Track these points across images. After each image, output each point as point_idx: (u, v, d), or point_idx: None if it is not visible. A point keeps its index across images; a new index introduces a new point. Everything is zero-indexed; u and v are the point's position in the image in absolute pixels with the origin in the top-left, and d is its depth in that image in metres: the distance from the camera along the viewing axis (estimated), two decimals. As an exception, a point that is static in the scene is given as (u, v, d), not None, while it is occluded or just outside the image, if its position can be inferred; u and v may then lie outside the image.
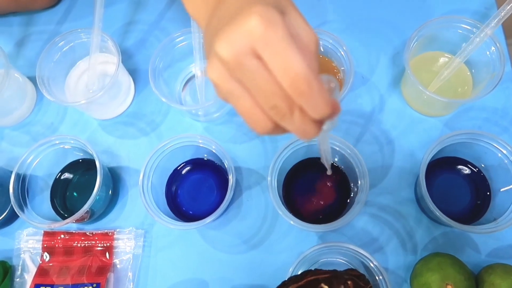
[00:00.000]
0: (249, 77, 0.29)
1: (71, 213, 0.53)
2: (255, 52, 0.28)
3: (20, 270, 0.56)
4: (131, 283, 0.54)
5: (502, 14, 0.49)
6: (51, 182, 0.58)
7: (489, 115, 0.57)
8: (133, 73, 0.65)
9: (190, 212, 0.56)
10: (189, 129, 0.61)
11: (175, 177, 0.58)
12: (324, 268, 0.45)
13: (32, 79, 0.65)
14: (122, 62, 0.57)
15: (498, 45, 0.51)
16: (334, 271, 0.45)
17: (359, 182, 0.49)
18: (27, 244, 0.57)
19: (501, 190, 0.51)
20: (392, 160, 0.56)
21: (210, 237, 0.56)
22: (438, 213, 0.46)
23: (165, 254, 0.56)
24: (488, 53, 0.52)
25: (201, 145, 0.53)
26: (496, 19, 0.49)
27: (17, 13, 0.70)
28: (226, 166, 0.51)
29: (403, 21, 0.63)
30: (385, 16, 0.63)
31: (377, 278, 0.47)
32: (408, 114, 0.58)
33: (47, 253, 0.56)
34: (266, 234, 0.55)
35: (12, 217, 0.58)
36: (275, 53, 0.28)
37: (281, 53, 0.28)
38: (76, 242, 0.56)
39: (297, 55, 0.28)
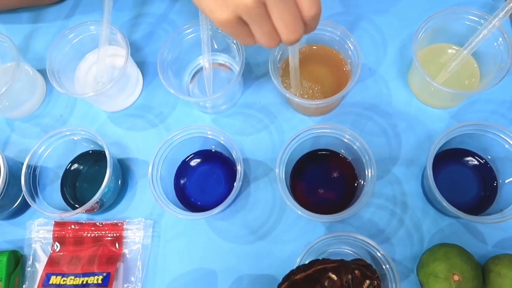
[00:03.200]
0: (281, 0, 0.34)
1: (81, 204, 0.53)
2: None
3: (31, 259, 0.57)
4: (140, 273, 0.55)
5: (511, 5, 0.49)
6: (61, 173, 0.59)
7: (496, 107, 0.57)
8: (141, 65, 0.65)
9: (198, 203, 0.57)
10: (197, 121, 0.61)
11: (183, 169, 0.58)
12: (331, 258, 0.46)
13: (42, 72, 0.66)
14: (130, 54, 0.58)
15: (506, 36, 0.51)
16: (342, 260, 0.46)
17: (366, 172, 0.50)
18: (38, 234, 0.58)
19: (506, 181, 0.51)
20: (399, 151, 0.57)
21: (218, 227, 0.56)
22: (445, 203, 0.47)
23: (174, 244, 0.56)
24: (495, 44, 0.53)
25: (209, 136, 0.54)
26: (504, 10, 0.49)
27: (27, 8, 0.71)
28: (234, 156, 0.51)
29: (410, 13, 0.63)
30: (392, 8, 0.63)
31: (384, 267, 0.47)
32: (415, 106, 0.58)
33: (58, 243, 0.57)
34: (274, 224, 0.56)
35: (23, 208, 0.59)
36: None
37: None
38: (86, 232, 0.57)
39: None
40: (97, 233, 0.57)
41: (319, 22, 0.39)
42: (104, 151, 0.53)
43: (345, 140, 0.51)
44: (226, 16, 0.35)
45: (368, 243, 0.47)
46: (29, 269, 0.57)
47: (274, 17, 0.35)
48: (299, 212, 0.48)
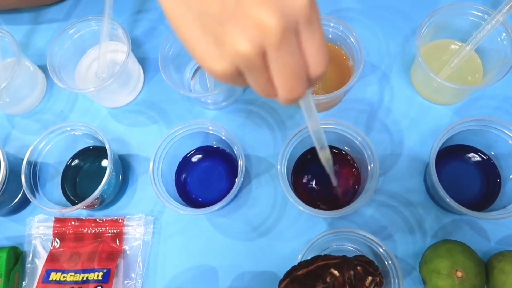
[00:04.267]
0: (285, 52, 0.28)
1: (81, 200, 0.53)
2: (296, 28, 0.28)
3: (31, 256, 0.57)
4: (141, 269, 0.55)
5: (515, 0, 0.49)
6: (61, 169, 0.59)
7: (499, 103, 0.57)
8: (143, 61, 0.65)
9: (200, 200, 0.57)
10: (199, 117, 0.61)
11: (184, 165, 0.58)
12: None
13: (43, 68, 0.66)
14: (131, 50, 0.57)
15: (509, 31, 0.51)
16: (344, 256, 0.46)
17: (369, 167, 0.49)
18: (38, 230, 0.58)
19: (510, 177, 0.51)
20: (401, 148, 0.56)
21: (219, 224, 0.56)
22: (448, 199, 0.46)
23: (175, 240, 0.56)
24: (499, 39, 0.52)
25: (211, 131, 0.53)
26: (508, 5, 0.49)
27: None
28: (235, 152, 0.51)
29: (413, 9, 0.62)
30: (395, 4, 0.63)
31: (386, 263, 0.47)
32: (418, 102, 0.58)
33: (58, 239, 0.57)
34: (275, 221, 0.55)
35: (23, 204, 0.59)
36: (313, 32, 0.28)
37: (317, 32, 0.28)
38: (86, 229, 0.57)
39: (323, 34, 0.29)
40: (98, 229, 0.57)
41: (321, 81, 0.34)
42: (105, 147, 0.53)
43: (348, 136, 0.51)
44: (221, 67, 0.29)
45: (371, 239, 0.47)
46: (29, 265, 0.56)
47: (274, 71, 0.29)
48: (301, 208, 0.48)
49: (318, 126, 0.40)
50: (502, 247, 0.51)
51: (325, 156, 0.45)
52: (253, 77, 0.30)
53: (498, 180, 0.52)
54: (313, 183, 0.55)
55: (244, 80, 0.31)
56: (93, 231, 0.57)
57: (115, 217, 0.57)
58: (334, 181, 0.51)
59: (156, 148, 0.53)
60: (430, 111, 0.58)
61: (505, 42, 0.52)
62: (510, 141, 0.49)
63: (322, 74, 0.30)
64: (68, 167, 0.59)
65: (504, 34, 0.52)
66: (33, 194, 0.53)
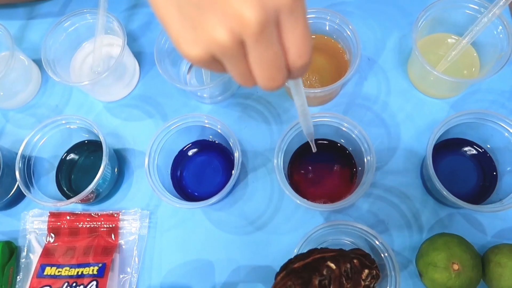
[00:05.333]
0: (263, 44, 0.27)
1: (76, 194, 0.53)
2: (277, 19, 0.27)
3: (26, 250, 0.56)
4: (137, 263, 0.55)
5: (511, -7, 0.49)
6: (56, 163, 0.59)
7: (496, 97, 0.57)
8: (138, 55, 0.64)
9: (196, 194, 0.56)
10: (194, 111, 0.61)
11: (180, 159, 0.58)
12: (330, 247, 0.46)
13: (37, 62, 0.65)
14: (127, 44, 0.57)
15: (506, 25, 0.51)
16: (341, 250, 0.46)
17: (365, 161, 0.49)
18: (32, 225, 0.57)
19: (508, 169, 0.51)
20: (398, 142, 0.56)
21: (215, 218, 0.56)
22: (445, 192, 0.46)
23: (171, 235, 0.56)
24: (495, 33, 0.52)
25: (207, 125, 0.53)
26: (505, -2, 0.49)
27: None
28: (231, 145, 0.51)
29: (410, 3, 0.62)
30: (392, -2, 0.63)
31: (382, 255, 0.47)
32: (414, 96, 0.58)
33: (53, 233, 0.57)
34: (272, 215, 0.55)
35: (17, 198, 0.59)
36: (295, 23, 0.27)
37: (300, 23, 0.28)
38: (81, 223, 0.57)
39: (307, 25, 0.28)
40: (93, 223, 0.56)
41: (307, 71, 0.33)
42: (100, 141, 0.52)
43: (344, 129, 0.51)
44: (196, 52, 0.28)
45: (367, 232, 0.47)
46: (23, 260, 0.56)
47: (252, 60, 0.29)
48: (298, 202, 0.48)
49: (305, 102, 0.40)
50: (499, 240, 0.51)
51: (308, 131, 0.46)
52: (231, 65, 0.30)
53: (495, 173, 0.52)
54: (310, 176, 0.55)
55: (221, 66, 0.30)
56: (88, 226, 0.56)
57: (111, 212, 0.57)
58: (313, 148, 0.51)
59: (152, 142, 0.52)
60: (426, 105, 0.57)
61: (501, 36, 0.52)
62: (506, 134, 0.49)
63: (304, 66, 0.30)
64: (63, 161, 0.59)
65: (500, 28, 0.51)
66: (28, 188, 0.53)
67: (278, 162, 0.50)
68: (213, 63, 0.30)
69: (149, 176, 0.51)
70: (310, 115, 0.43)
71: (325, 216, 0.55)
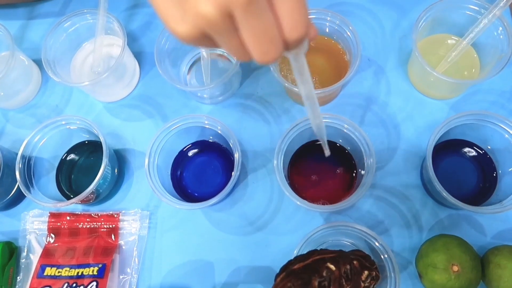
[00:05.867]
0: (253, 15, 0.26)
1: (76, 195, 0.53)
2: None
3: (26, 251, 0.56)
4: (137, 264, 0.55)
5: (511, -7, 0.49)
6: (56, 164, 0.59)
7: (496, 98, 0.57)
8: (139, 56, 0.64)
9: (196, 194, 0.56)
10: (195, 111, 0.61)
11: (180, 159, 0.58)
12: (329, 248, 0.46)
13: (38, 62, 0.65)
14: (127, 44, 0.57)
15: (506, 25, 0.51)
16: (340, 251, 0.46)
17: (366, 162, 0.49)
18: (32, 225, 0.57)
19: (508, 170, 0.51)
20: (398, 142, 0.56)
21: (215, 218, 0.56)
22: (444, 193, 0.46)
23: (171, 235, 0.56)
24: (495, 34, 0.52)
25: (207, 126, 0.53)
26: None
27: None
28: (231, 145, 0.51)
29: (410, 3, 0.62)
30: (392, -1, 0.63)
31: (382, 257, 0.47)
32: (414, 96, 0.58)
33: (53, 234, 0.57)
34: (272, 216, 0.55)
35: (18, 199, 0.59)
36: None
37: None
38: (81, 224, 0.57)
39: None
40: (93, 224, 0.56)
41: (305, 43, 0.31)
42: (100, 141, 0.52)
43: (344, 130, 0.51)
44: (184, 29, 0.28)
45: (367, 233, 0.47)
46: (23, 260, 0.56)
47: (243, 33, 0.28)
48: (298, 203, 0.48)
49: (312, 91, 0.37)
50: (498, 241, 0.51)
51: (318, 126, 0.43)
52: (223, 40, 0.29)
53: (494, 175, 0.52)
54: (310, 177, 0.55)
55: (214, 42, 0.29)
56: (88, 226, 0.56)
57: (111, 212, 0.57)
58: (326, 152, 0.47)
59: (152, 142, 0.52)
60: (426, 105, 0.57)
61: (501, 37, 0.52)
62: (506, 136, 0.49)
63: (300, 38, 0.28)
64: (63, 162, 0.59)
65: (500, 29, 0.51)
66: (28, 189, 0.53)
67: (278, 163, 0.50)
68: (204, 39, 0.29)
69: (149, 177, 0.51)
70: (318, 107, 0.40)
71: (325, 217, 0.55)
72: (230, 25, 0.27)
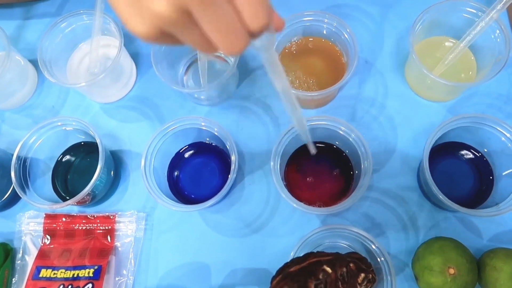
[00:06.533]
0: (210, 9, 0.26)
1: (72, 196, 0.52)
2: None
3: (21, 252, 0.56)
4: (133, 266, 0.54)
5: (508, -4, 0.49)
6: (52, 165, 0.58)
7: (493, 100, 0.57)
8: (135, 57, 0.64)
9: (192, 196, 0.56)
10: (192, 113, 0.61)
11: (177, 161, 0.57)
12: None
13: (34, 63, 0.65)
14: (124, 45, 0.57)
15: (503, 28, 0.51)
16: (337, 253, 0.45)
17: (362, 164, 0.49)
18: (28, 226, 0.57)
19: (505, 173, 0.51)
20: (395, 145, 0.56)
21: (212, 220, 0.56)
22: (441, 196, 0.46)
23: (167, 237, 0.56)
24: (492, 37, 0.52)
25: (203, 127, 0.53)
26: (502, 2, 0.49)
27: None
28: (228, 147, 0.51)
29: (407, 6, 0.62)
30: (389, 1, 0.63)
31: (378, 260, 0.47)
32: (411, 99, 0.58)
33: (48, 235, 0.56)
34: (268, 218, 0.55)
35: (13, 200, 0.58)
36: None
37: None
38: (77, 225, 0.56)
39: None
40: (89, 225, 0.56)
41: (272, 37, 0.31)
42: (96, 143, 0.52)
43: (341, 132, 0.51)
44: (143, 29, 0.28)
45: (363, 236, 0.47)
46: (19, 262, 0.56)
47: (204, 27, 0.27)
48: (294, 205, 0.48)
49: (286, 84, 0.36)
50: (494, 244, 0.51)
51: (299, 121, 0.42)
52: (183, 36, 0.28)
53: (491, 177, 0.52)
54: (306, 179, 0.55)
55: (177, 39, 0.29)
56: (84, 228, 0.56)
57: (107, 214, 0.56)
58: (312, 149, 0.47)
59: (148, 144, 0.52)
60: (423, 108, 0.57)
61: (498, 39, 0.52)
62: (503, 138, 0.49)
63: (262, 26, 0.28)
64: (59, 163, 0.59)
65: (497, 31, 0.51)
66: (23, 190, 0.53)
67: (275, 165, 0.49)
68: (165, 37, 0.29)
69: (145, 178, 0.51)
70: (296, 101, 0.38)
71: (321, 219, 0.55)
72: (188, 21, 0.27)
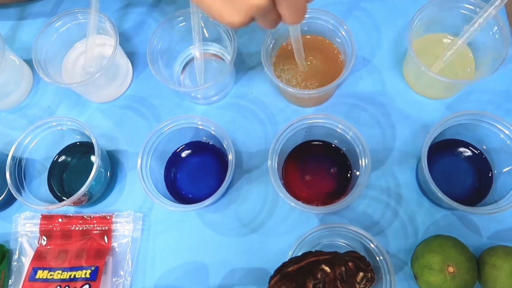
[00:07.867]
0: None
1: (68, 196, 0.52)
2: None
3: (17, 253, 0.56)
4: (130, 266, 0.54)
5: (506, -7, 0.49)
6: (48, 165, 0.58)
7: (491, 97, 0.56)
8: (131, 56, 0.64)
9: (190, 196, 0.56)
10: (188, 112, 0.60)
11: (174, 160, 0.57)
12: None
13: (29, 62, 0.64)
14: (120, 44, 0.56)
15: (501, 25, 0.51)
16: (335, 252, 0.45)
17: (360, 162, 0.49)
18: (24, 227, 0.57)
19: (504, 170, 0.50)
20: (393, 143, 0.56)
21: (209, 220, 0.55)
22: (440, 194, 0.46)
23: (164, 237, 0.55)
24: (491, 33, 0.52)
25: (200, 126, 0.52)
26: (500, -2, 0.49)
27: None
28: (225, 146, 0.50)
29: (405, 2, 0.62)
30: (387, -2, 0.63)
31: (377, 258, 0.46)
32: (409, 96, 0.58)
33: (45, 236, 0.56)
34: (266, 217, 0.55)
35: (9, 201, 0.58)
36: None
37: None
38: (74, 226, 0.56)
39: None
40: (86, 226, 0.56)
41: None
42: (92, 143, 0.52)
43: (339, 130, 0.51)
44: (239, 20, 0.36)
45: (362, 234, 0.47)
46: (15, 263, 0.55)
47: (284, 7, 0.36)
48: (292, 204, 0.47)
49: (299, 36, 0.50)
50: (494, 242, 0.51)
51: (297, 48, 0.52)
52: (265, 18, 0.37)
53: (490, 175, 0.52)
54: (304, 178, 0.55)
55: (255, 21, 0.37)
56: (81, 228, 0.56)
57: (103, 214, 0.56)
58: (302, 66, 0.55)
59: (145, 144, 0.52)
60: (422, 105, 0.57)
61: (497, 36, 0.51)
62: (502, 136, 0.49)
63: None
64: (54, 163, 0.58)
65: (496, 28, 0.51)
66: (19, 191, 0.52)
67: (273, 163, 0.49)
68: (250, 22, 0.37)
69: (141, 178, 0.50)
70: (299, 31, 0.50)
71: (320, 218, 0.54)
72: (272, 6, 0.35)
